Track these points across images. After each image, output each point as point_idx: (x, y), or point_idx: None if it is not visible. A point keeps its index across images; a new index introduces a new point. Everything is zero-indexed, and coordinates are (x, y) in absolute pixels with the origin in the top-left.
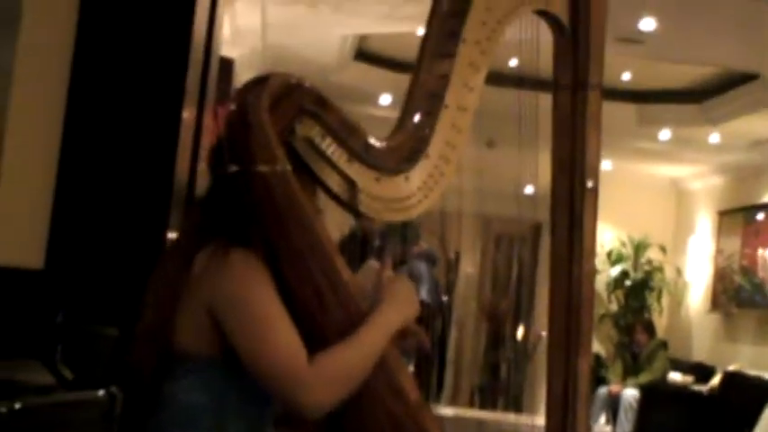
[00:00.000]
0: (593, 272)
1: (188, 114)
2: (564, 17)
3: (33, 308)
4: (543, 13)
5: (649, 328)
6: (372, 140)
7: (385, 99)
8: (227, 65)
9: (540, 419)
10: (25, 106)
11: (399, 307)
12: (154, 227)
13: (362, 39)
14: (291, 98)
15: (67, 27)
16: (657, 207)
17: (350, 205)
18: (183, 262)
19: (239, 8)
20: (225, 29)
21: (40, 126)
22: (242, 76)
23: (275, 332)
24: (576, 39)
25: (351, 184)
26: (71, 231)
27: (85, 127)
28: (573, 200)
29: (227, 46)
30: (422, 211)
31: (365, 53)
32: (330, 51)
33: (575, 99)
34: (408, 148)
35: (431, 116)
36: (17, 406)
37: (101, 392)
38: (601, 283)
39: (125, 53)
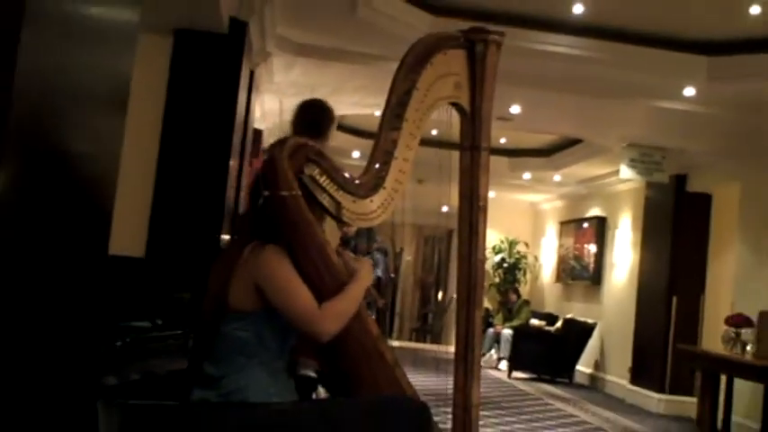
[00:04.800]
0: (484, 260)
1: (233, 163)
2: (466, 106)
3: (137, 282)
4: (455, 104)
5: (517, 293)
6: (350, 178)
7: (355, 154)
8: (258, 133)
9: (452, 348)
10: (133, 149)
11: (365, 276)
12: (211, 232)
13: (342, 117)
14: (302, 151)
15: (159, 108)
16: (523, 219)
17: (337, 217)
18: (236, 252)
19: (266, 98)
20: (257, 111)
21: (143, 163)
22: (268, 141)
23: (298, 292)
24: (474, 119)
25: (338, 204)
26: (163, 232)
27: (172, 166)
28: (471, 216)
29: (258, 122)
30: (380, 222)
31: (344, 126)
32: None
33: (472, 156)
34: (372, 183)
35: (386, 165)
36: (128, 340)
37: (179, 332)
38: (488, 265)
39: (197, 123)
